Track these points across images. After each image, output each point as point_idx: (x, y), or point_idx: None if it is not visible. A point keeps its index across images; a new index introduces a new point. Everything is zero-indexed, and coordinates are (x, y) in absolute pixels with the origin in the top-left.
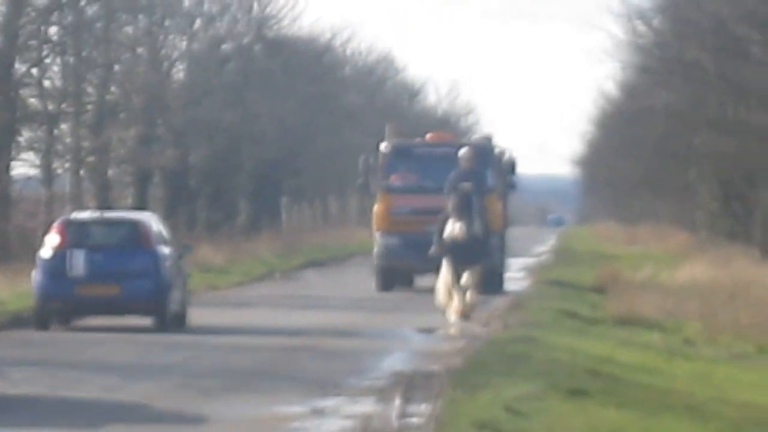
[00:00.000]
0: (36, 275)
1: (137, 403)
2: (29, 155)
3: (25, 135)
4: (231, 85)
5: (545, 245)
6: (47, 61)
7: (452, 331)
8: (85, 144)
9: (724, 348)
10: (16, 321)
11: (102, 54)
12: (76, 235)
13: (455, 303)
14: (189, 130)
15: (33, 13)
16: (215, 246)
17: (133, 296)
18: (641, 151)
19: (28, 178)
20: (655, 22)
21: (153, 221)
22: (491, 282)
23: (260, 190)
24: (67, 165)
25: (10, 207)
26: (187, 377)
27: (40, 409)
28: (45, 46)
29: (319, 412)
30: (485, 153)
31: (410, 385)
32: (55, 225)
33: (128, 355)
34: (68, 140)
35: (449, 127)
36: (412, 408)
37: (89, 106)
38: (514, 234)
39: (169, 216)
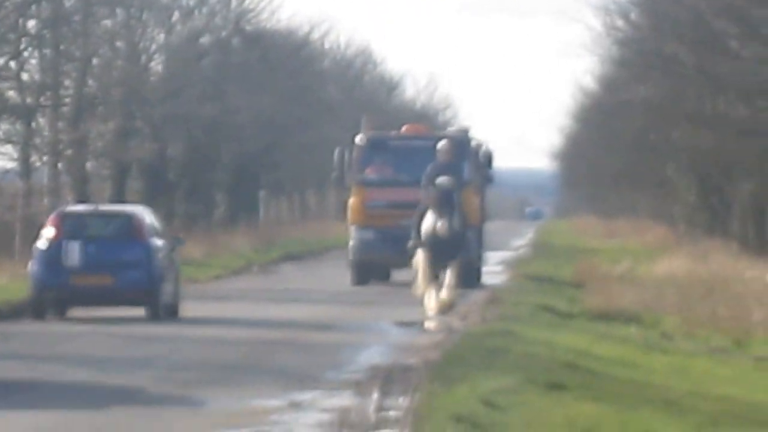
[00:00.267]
0: (32, 266)
1: (115, 396)
2: (7, 148)
3: (2, 128)
4: (209, 79)
5: (523, 239)
6: (25, 54)
7: (430, 325)
8: (63, 137)
9: (702, 342)
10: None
11: (80, 47)
12: (71, 226)
13: (432, 298)
14: (167, 123)
15: (10, 6)
16: (193, 239)
17: (126, 287)
18: (620, 145)
19: (6, 171)
20: (633, 15)
21: (146, 214)
22: (468, 276)
23: (238, 184)
24: (45, 158)
25: None
26: (165, 370)
27: (38, 393)
28: (23, 39)
29: (296, 406)
30: (462, 146)
31: (388, 378)
32: (51, 217)
33: (106, 348)
34: (46, 133)
35: (427, 120)
36: (390, 401)
37: (67, 99)
38: (492, 228)
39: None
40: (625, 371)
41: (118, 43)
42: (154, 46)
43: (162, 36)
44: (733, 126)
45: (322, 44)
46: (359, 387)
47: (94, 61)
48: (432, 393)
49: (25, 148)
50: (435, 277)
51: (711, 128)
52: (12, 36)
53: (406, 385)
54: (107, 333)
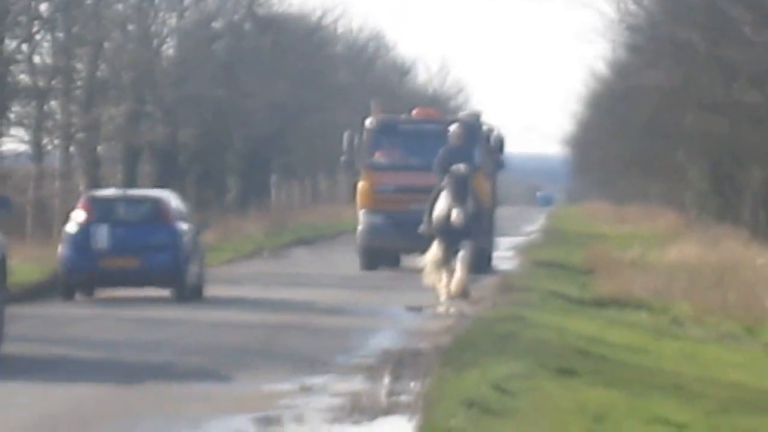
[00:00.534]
0: (62, 248)
1: (123, 379)
2: (19, 131)
3: (14, 111)
4: (221, 63)
5: (534, 225)
6: (37, 37)
7: (441, 309)
8: (75, 120)
9: (713, 328)
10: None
11: (92, 31)
12: (100, 210)
13: (445, 282)
14: (178, 107)
15: None
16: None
17: (153, 269)
18: (631, 130)
19: (18, 154)
20: (646, 0)
21: (172, 199)
22: (479, 261)
23: (250, 168)
24: (56, 141)
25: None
26: (175, 354)
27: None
28: (35, 23)
29: (307, 390)
30: (473, 130)
31: (399, 363)
32: (81, 201)
33: (116, 331)
34: (58, 116)
35: (439, 105)
36: (401, 386)
37: (79, 83)
38: (503, 213)
39: None
40: (636, 357)
41: (130, 27)
42: (165, 30)
43: (174, 20)
44: (746, 112)
45: (335, 29)
46: (370, 371)
47: (106, 44)
48: (443, 378)
49: (37, 131)
50: (447, 262)
51: (723, 114)
52: (24, 19)
53: (417, 369)
54: (118, 317)
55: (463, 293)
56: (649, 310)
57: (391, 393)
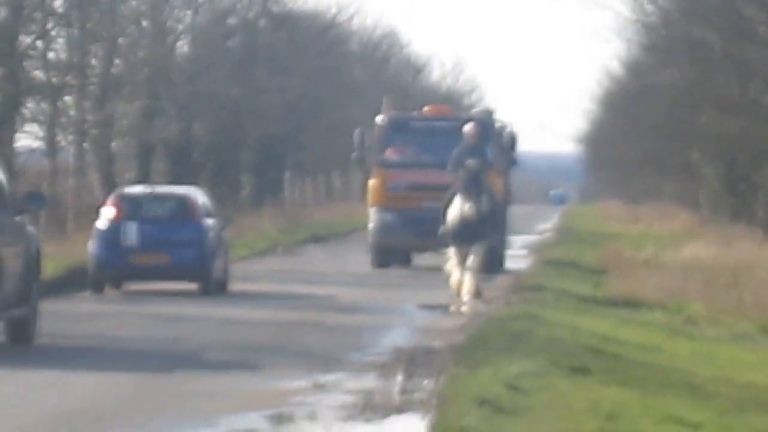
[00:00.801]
0: (92, 244)
1: (137, 374)
2: (33, 127)
3: (29, 107)
4: (235, 59)
5: (548, 223)
6: (52, 33)
7: (464, 309)
8: (89, 117)
9: (727, 328)
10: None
11: (107, 27)
12: (129, 208)
13: (467, 282)
14: (193, 104)
15: None
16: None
17: (180, 264)
18: (645, 129)
19: (32, 150)
20: (661, 0)
21: (199, 195)
22: (492, 261)
23: (264, 165)
24: (70, 137)
25: (14, 179)
26: (189, 350)
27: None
28: (50, 18)
29: (320, 387)
30: (486, 128)
31: (412, 361)
32: (111, 199)
33: (132, 327)
34: (72, 113)
35: (453, 103)
36: (414, 384)
37: (93, 79)
38: (517, 212)
39: None
40: (649, 356)
41: (145, 23)
42: (180, 27)
43: (189, 16)
44: (760, 112)
45: (349, 26)
46: (383, 369)
47: (121, 40)
48: (456, 376)
49: (51, 127)
50: (463, 261)
51: (738, 114)
52: (39, 15)
53: (430, 367)
54: (135, 313)
55: (476, 292)
56: (662, 310)
57: (404, 391)
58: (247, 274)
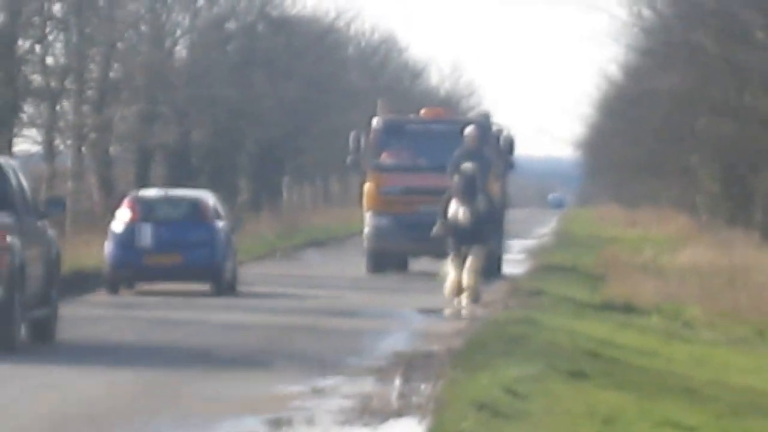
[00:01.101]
0: (108, 246)
1: (133, 378)
2: (31, 132)
3: (27, 111)
4: (234, 64)
5: (546, 227)
6: (50, 37)
7: (464, 313)
8: (87, 121)
9: (724, 332)
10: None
11: (105, 31)
12: (144, 210)
13: (466, 285)
14: (191, 108)
15: None
16: None
17: (193, 265)
18: (643, 134)
19: (30, 155)
20: (659, 4)
21: (210, 198)
22: (489, 265)
23: (262, 170)
24: (69, 142)
25: None
26: (185, 354)
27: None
28: (48, 23)
29: (318, 392)
30: (483, 131)
31: (410, 365)
32: (126, 201)
33: (129, 331)
34: (70, 117)
35: (451, 107)
36: (412, 388)
37: (92, 83)
38: (515, 216)
39: None
40: (647, 360)
41: (143, 28)
42: (179, 31)
43: (187, 20)
44: (757, 116)
45: (348, 31)
46: (381, 373)
47: (119, 45)
48: (454, 380)
49: (50, 131)
50: (459, 264)
51: (735, 118)
52: (37, 20)
53: (428, 372)
54: (134, 317)
55: (474, 297)
56: (660, 314)
57: (402, 395)
58: (245, 278)
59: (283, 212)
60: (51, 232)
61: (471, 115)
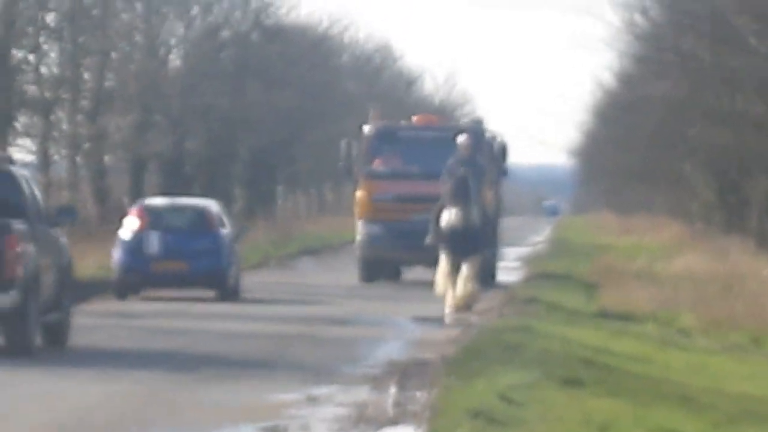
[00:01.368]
0: (116, 253)
1: (128, 387)
2: (26, 141)
3: (21, 121)
4: (228, 73)
5: (540, 235)
6: (44, 47)
7: (447, 321)
8: (82, 130)
9: (719, 339)
10: None
11: (99, 41)
12: (151, 218)
13: (450, 294)
14: (185, 117)
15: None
16: None
17: (198, 272)
18: (637, 141)
19: (25, 165)
20: (652, 11)
21: (215, 207)
22: (483, 273)
23: (256, 178)
24: (63, 151)
25: None
26: (182, 363)
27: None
28: (42, 33)
29: (313, 400)
30: (476, 137)
31: (405, 373)
32: (135, 209)
33: (126, 339)
34: (65, 127)
35: (446, 116)
36: (407, 396)
37: (86, 93)
38: (509, 224)
39: None
40: (642, 368)
41: (137, 37)
42: (173, 40)
43: (181, 30)
44: (751, 122)
45: (342, 39)
46: (376, 381)
47: (113, 54)
48: (449, 388)
49: (44, 141)
50: (454, 273)
51: (728, 125)
52: (31, 29)
53: (423, 379)
54: (129, 326)
55: (468, 306)
56: (655, 321)
57: (397, 403)
58: (240, 287)
59: (277, 220)
60: (63, 239)
61: (464, 122)
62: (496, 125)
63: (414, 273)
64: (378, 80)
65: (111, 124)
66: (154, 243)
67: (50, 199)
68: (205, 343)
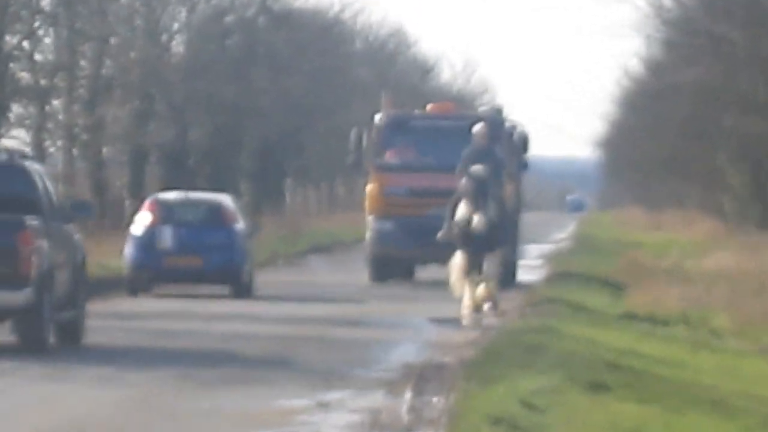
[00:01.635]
0: (128, 248)
1: (133, 391)
2: (20, 132)
3: (15, 111)
4: (233, 60)
5: (564, 232)
6: (39, 32)
7: (465, 322)
8: (79, 121)
9: (753, 340)
10: None
11: (97, 26)
12: (164, 213)
13: (468, 294)
14: (188, 106)
15: None
16: None
17: (213, 267)
18: (666, 131)
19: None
20: None
21: (229, 202)
22: (503, 272)
23: (263, 171)
24: (59, 143)
25: None
26: (188, 367)
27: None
28: (36, 17)
29: (324, 406)
30: (495, 127)
31: (421, 377)
32: (147, 204)
33: (131, 341)
34: (61, 117)
35: (464, 105)
36: (423, 401)
37: (83, 81)
38: (531, 219)
39: None
40: (671, 371)
41: (137, 22)
42: (175, 25)
43: (184, 14)
44: None
45: (354, 24)
46: (391, 386)
47: (112, 40)
48: (468, 393)
49: (39, 132)
50: (471, 272)
51: (763, 114)
52: (25, 14)
53: (441, 384)
54: (134, 328)
55: (491, 306)
56: (685, 322)
57: (412, 409)
58: None
59: (285, 216)
60: (77, 236)
61: (482, 110)
62: (516, 114)
63: (428, 272)
64: (391, 67)
65: (110, 114)
66: (167, 237)
67: None
68: (210, 345)
